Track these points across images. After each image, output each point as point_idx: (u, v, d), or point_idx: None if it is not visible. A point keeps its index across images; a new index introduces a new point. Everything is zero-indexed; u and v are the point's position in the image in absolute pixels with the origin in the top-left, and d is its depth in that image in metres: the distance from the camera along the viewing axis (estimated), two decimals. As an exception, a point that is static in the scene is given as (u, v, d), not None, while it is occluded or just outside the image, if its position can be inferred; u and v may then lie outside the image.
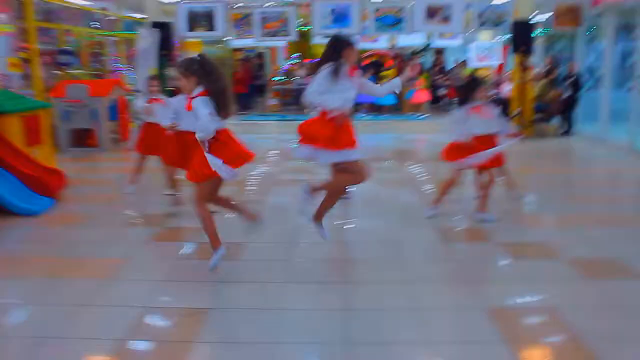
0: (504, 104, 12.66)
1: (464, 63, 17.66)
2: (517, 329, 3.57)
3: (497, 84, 14.28)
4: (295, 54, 18.17)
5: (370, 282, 4.28)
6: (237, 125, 13.43)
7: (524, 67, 12.14)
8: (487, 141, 5.56)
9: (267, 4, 13.03)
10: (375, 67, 16.74)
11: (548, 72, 13.20)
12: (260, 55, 19.08)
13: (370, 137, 12.71)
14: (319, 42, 15.95)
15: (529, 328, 3.65)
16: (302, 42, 19.86)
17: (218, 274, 4.29)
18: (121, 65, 13.67)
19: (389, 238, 5.41)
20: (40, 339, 3.38)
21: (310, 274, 4.47)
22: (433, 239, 5.38)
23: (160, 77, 11.42)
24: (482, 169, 5.70)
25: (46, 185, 6.51)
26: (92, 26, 13.12)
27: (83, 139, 10.25)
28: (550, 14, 12.71)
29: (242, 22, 12.82)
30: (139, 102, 6.68)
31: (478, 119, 5.54)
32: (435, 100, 17.25)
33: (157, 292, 4.12)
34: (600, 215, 6.14)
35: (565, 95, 12.53)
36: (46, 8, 11.17)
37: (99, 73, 12.77)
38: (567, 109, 12.65)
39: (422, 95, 15.74)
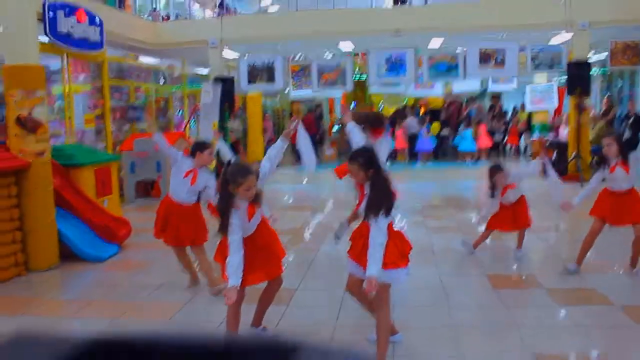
0: (562, 148, 12.53)
1: (522, 107, 17.60)
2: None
3: (556, 128, 14.15)
4: (352, 103, 18.58)
5: (416, 328, 4.36)
6: (294, 176, 14.00)
7: (580, 109, 11.99)
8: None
9: (324, 56, 13.54)
10: (431, 115, 16.94)
11: (605, 113, 12.99)
12: (318, 106, 19.59)
13: (426, 184, 12.83)
14: (376, 90, 16.38)
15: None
16: (359, 90, 20.35)
17: (266, 318, 4.45)
18: (186, 119, 14.38)
19: (438, 284, 5.47)
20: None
21: (357, 316, 4.58)
22: (483, 286, 5.40)
23: (222, 130, 12.02)
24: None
25: (113, 233, 6.96)
26: (160, 82, 13.92)
27: (148, 189, 10.81)
28: (607, 52, 12.55)
29: (300, 73, 13.32)
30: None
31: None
32: (493, 146, 17.20)
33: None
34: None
35: (626, 136, 12.24)
36: (119, 67, 11.99)
37: (165, 127, 13.48)
38: (627, 151, 12.33)
39: (484, 141, 15.75)
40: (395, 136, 15.97)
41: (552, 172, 5.97)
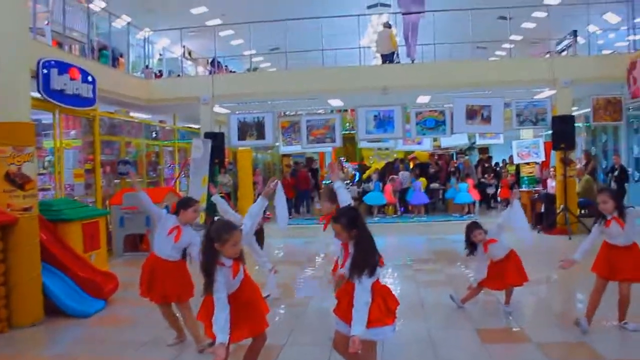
0: (550, 201, 12.65)
1: (510, 160, 17.89)
2: None
3: (544, 181, 14.33)
4: (342, 158, 18.79)
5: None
6: (288, 230, 13.96)
7: (566, 163, 12.18)
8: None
9: (314, 111, 13.80)
10: (420, 169, 17.14)
11: (585, 167, 13.23)
12: (310, 160, 19.76)
13: (417, 238, 12.85)
14: (365, 145, 16.61)
15: None
16: (349, 145, 20.62)
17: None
18: (175, 174, 14.46)
19: (427, 339, 5.42)
20: None
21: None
22: (472, 341, 5.36)
23: (212, 184, 12.08)
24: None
25: (99, 288, 6.88)
26: (150, 137, 14.06)
27: (137, 243, 10.76)
28: (590, 108, 12.86)
29: (290, 129, 13.52)
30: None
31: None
32: (484, 199, 17.36)
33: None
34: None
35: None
36: (110, 122, 12.12)
37: (155, 181, 13.53)
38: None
39: (472, 195, 15.90)
40: (384, 190, 16.09)
41: (517, 207, 6.05)
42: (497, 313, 6.30)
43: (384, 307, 3.63)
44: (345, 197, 4.23)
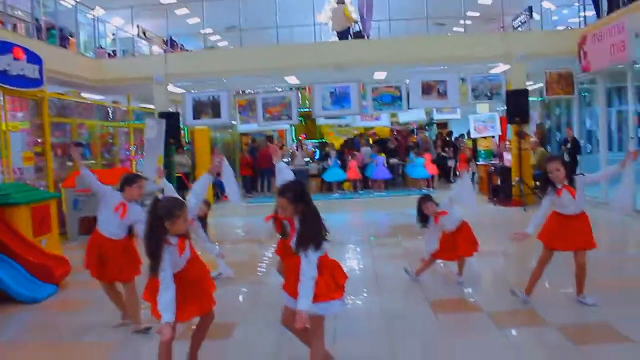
0: (505, 173, 12.87)
1: (468, 134, 18.12)
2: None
3: (500, 154, 14.55)
4: (301, 136, 18.76)
5: (357, 357, 4.33)
6: (246, 208, 13.94)
7: (521, 136, 12.39)
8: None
9: (271, 89, 13.68)
10: (379, 145, 17.23)
11: (542, 141, 13.51)
12: (270, 138, 19.64)
13: (376, 213, 12.95)
14: (323, 122, 16.60)
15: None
16: (310, 123, 20.56)
17: (206, 354, 4.35)
18: (131, 155, 14.19)
19: (380, 312, 5.49)
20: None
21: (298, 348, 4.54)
22: (424, 311, 5.44)
23: (166, 164, 11.90)
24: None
25: (50, 273, 6.73)
26: (104, 118, 13.74)
27: (92, 226, 10.51)
28: (543, 83, 13.08)
29: (246, 108, 13.39)
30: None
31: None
32: (444, 172, 17.57)
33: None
34: (590, 278, 6.15)
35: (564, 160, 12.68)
36: (61, 104, 11.78)
37: (110, 163, 13.26)
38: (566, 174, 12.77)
39: (429, 169, 16.07)
40: (348, 167, 16.15)
41: (466, 180, 6.21)
42: (450, 284, 6.40)
43: (332, 281, 3.62)
44: (288, 176, 4.18)
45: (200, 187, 4.53)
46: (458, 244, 6.17)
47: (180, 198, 3.97)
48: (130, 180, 5.08)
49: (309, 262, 3.50)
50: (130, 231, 5.11)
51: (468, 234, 6.23)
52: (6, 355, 4.78)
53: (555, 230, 5.26)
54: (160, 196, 3.86)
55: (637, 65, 11.11)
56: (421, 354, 4.43)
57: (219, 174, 5.36)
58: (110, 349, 4.80)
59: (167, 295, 3.56)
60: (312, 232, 3.57)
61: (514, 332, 4.77)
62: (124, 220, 5.01)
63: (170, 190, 5.99)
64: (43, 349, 4.91)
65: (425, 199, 6.27)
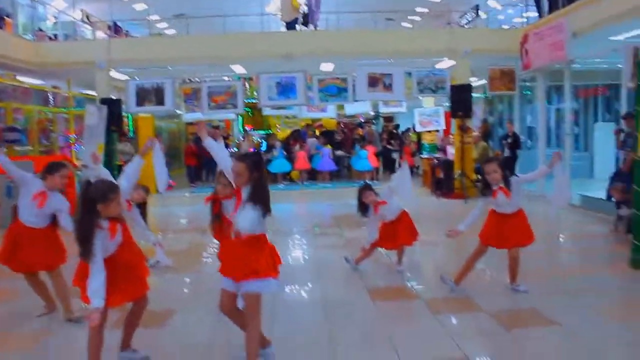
0: (448, 167, 13.12)
1: (413, 128, 18.37)
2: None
3: (444, 148, 14.82)
4: (247, 127, 18.62)
5: (294, 343, 4.34)
6: (189, 198, 13.76)
7: (463, 130, 12.64)
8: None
9: (217, 78, 13.49)
10: (326, 137, 17.28)
11: (484, 136, 13.84)
12: (215, 128, 19.40)
13: (320, 204, 13.01)
14: (269, 113, 16.53)
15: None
16: (257, 113, 20.42)
17: (140, 341, 4.26)
18: (71, 142, 13.77)
19: (320, 300, 5.52)
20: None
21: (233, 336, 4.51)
22: (363, 299, 5.49)
23: (107, 152, 11.61)
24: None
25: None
26: (43, 103, 13.29)
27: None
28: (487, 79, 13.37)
29: (192, 96, 13.17)
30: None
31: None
32: (389, 165, 17.77)
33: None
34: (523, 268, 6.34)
35: (505, 154, 13.03)
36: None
37: (49, 150, 12.83)
38: (506, 168, 13.11)
39: (372, 162, 16.23)
40: (296, 157, 16.15)
41: (405, 170, 6.34)
42: (390, 273, 6.47)
43: (271, 261, 3.67)
44: (221, 153, 4.03)
45: (133, 170, 4.44)
46: (398, 233, 6.24)
47: (114, 181, 3.86)
48: (52, 168, 4.87)
49: (248, 214, 3.51)
50: (54, 220, 4.93)
51: (408, 224, 6.32)
52: None
53: (492, 228, 5.40)
54: (92, 179, 3.73)
55: (575, 65, 11.52)
56: (360, 341, 4.45)
57: None
58: (39, 338, 4.64)
59: (97, 281, 3.47)
60: (264, 198, 3.59)
61: (449, 318, 4.86)
62: (43, 209, 4.82)
63: (107, 177, 5.83)
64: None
65: (365, 188, 6.32)
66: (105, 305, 3.54)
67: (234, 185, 3.69)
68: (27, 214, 4.85)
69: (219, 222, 3.88)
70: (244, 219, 3.51)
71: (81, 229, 3.53)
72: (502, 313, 4.90)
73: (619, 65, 10.28)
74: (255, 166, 3.60)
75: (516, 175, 5.48)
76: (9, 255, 4.93)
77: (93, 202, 3.54)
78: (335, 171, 16.71)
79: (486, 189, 5.36)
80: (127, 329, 4.01)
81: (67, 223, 4.77)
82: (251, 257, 3.59)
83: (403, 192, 6.37)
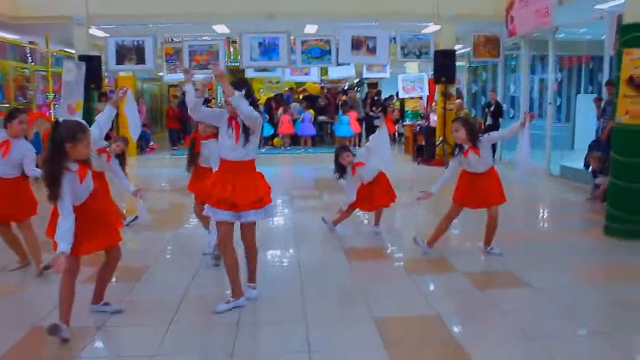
0: (430, 133, 13.12)
1: (397, 95, 18.28)
2: (399, 335, 3.70)
3: (427, 115, 14.80)
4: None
5: (267, 300, 4.36)
6: (171, 160, 13.63)
7: (446, 96, 12.61)
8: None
9: (198, 38, 13.23)
10: (308, 101, 17.15)
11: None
12: (197, 90, 19.10)
13: (302, 168, 12.99)
14: (252, 75, 16.31)
15: (411, 334, 3.79)
16: (240, 76, 20.12)
17: (113, 295, 4.25)
18: (49, 100, 13.52)
19: (295, 262, 5.54)
20: None
21: (206, 290, 4.51)
22: (339, 260, 5.51)
23: (87, 110, 11.40)
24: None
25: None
26: (19, 59, 12.98)
27: None
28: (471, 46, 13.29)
29: (174, 57, 12.95)
30: None
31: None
32: (371, 131, 17.71)
33: (51, 311, 4.07)
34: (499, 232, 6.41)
35: (488, 122, 13.05)
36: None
37: (25, 107, 12.58)
38: (480, 134, 13.15)
39: (353, 127, 16.19)
40: (281, 122, 16.06)
41: (383, 132, 6.31)
42: (367, 235, 6.50)
43: (267, 187, 4.12)
44: (191, 95, 4.02)
45: (104, 119, 4.41)
46: (375, 194, 6.24)
47: (84, 122, 3.79)
48: (10, 115, 4.80)
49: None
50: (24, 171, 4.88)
51: (385, 185, 6.31)
52: None
53: (466, 189, 5.39)
54: (60, 119, 3.66)
55: (559, 35, 11.48)
56: (334, 299, 4.47)
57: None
58: (11, 292, 4.60)
59: (65, 225, 3.42)
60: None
61: (424, 279, 4.90)
62: (8, 159, 4.76)
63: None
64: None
65: (342, 149, 6.29)
66: (77, 253, 3.53)
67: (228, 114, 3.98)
68: None
69: (196, 172, 4.02)
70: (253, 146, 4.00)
71: (49, 170, 3.47)
72: (476, 274, 4.95)
73: (603, 37, 10.27)
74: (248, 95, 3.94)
75: (487, 134, 5.46)
76: None
77: (61, 142, 3.47)
78: (317, 136, 16.66)
79: (456, 149, 5.36)
80: (99, 282, 4.00)
81: (30, 168, 4.76)
82: (255, 185, 3.99)
83: (381, 154, 6.35)
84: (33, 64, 13.63)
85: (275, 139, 16.41)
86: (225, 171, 4.02)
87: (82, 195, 3.62)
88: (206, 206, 4.12)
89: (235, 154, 3.98)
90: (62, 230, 3.41)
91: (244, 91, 3.88)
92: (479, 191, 5.34)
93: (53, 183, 3.44)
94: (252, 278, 4.42)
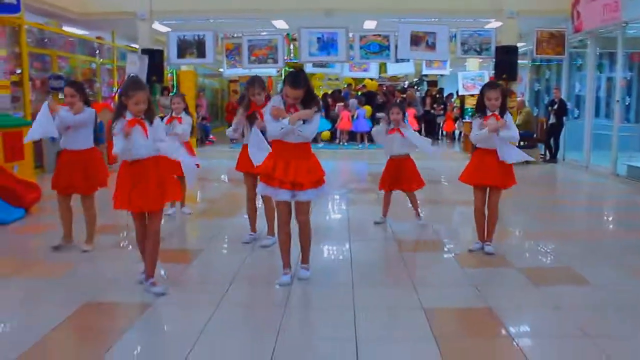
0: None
1: (457, 93, 17.99)
2: (449, 327, 3.61)
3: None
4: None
5: (318, 284, 4.35)
6: (229, 152, 13.84)
7: (506, 94, 12.25)
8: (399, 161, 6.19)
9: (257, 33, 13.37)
10: (367, 98, 17.08)
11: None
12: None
13: (355, 163, 12.95)
14: (310, 70, 16.34)
15: (461, 327, 3.69)
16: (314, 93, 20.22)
17: (162, 278, 4.35)
18: (114, 93, 13.96)
19: (348, 254, 5.50)
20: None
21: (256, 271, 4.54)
22: (391, 250, 5.45)
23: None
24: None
25: (19, 197, 6.65)
26: (87, 54, 13.45)
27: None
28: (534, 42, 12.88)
29: (234, 52, 13.12)
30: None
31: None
32: (430, 129, 17.53)
33: (103, 288, 4.19)
34: (561, 230, 6.20)
35: (551, 121, 12.64)
36: (40, 35, 11.49)
37: (92, 99, 13.04)
38: (551, 135, 12.76)
39: (411, 124, 16.02)
40: (340, 117, 16.12)
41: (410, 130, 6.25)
42: (419, 227, 6.38)
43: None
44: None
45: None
46: (400, 178, 6.19)
47: (143, 82, 4.22)
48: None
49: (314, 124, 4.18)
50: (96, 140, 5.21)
51: (411, 170, 6.23)
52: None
53: (476, 166, 5.15)
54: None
55: (628, 31, 10.99)
56: (382, 284, 4.42)
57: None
58: (65, 270, 4.74)
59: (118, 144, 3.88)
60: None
61: (477, 272, 4.76)
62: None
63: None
64: (9, 264, 4.88)
65: (397, 105, 6.28)
66: (126, 204, 3.99)
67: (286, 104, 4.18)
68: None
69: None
70: (310, 128, 4.14)
71: (114, 114, 4.00)
72: (532, 270, 4.78)
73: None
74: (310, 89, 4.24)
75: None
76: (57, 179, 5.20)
77: (120, 95, 4.05)
78: (368, 132, 16.57)
79: (478, 112, 5.07)
80: (146, 258, 4.15)
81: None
82: (315, 166, 4.23)
83: (421, 143, 6.23)
84: (100, 58, 14.10)
85: (323, 133, 16.41)
86: (284, 153, 4.17)
87: (140, 150, 3.94)
88: (262, 186, 4.27)
89: (295, 137, 4.14)
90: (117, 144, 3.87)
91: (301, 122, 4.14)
92: (489, 169, 5.03)
93: (113, 120, 3.95)
94: (305, 259, 4.50)
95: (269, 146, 4.45)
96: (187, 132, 6.40)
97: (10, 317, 3.69)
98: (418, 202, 6.45)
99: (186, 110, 6.64)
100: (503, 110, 4.97)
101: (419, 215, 6.41)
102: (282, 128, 4.08)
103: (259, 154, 4.55)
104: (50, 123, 4.86)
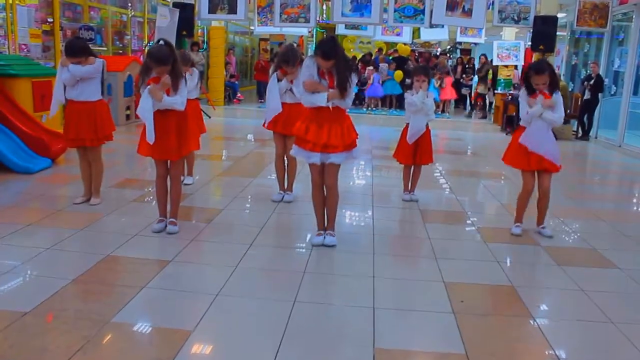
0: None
1: (490, 62, 17.53)
2: (469, 302, 3.55)
3: (520, 85, 14.11)
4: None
5: (343, 251, 4.32)
6: (257, 111, 13.79)
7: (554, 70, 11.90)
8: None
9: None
10: (398, 63, 16.77)
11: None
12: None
13: (380, 129, 12.81)
14: (342, 32, 16.07)
15: (481, 303, 3.63)
16: (330, 34, 19.93)
17: (184, 234, 4.36)
18: (144, 46, 13.90)
19: (370, 217, 5.44)
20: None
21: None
22: (414, 220, 5.38)
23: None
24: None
25: (46, 147, 6.71)
26: (119, 5, 13.36)
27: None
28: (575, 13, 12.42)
29: (266, 9, 12.91)
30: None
31: None
32: (460, 99, 17.20)
33: (124, 243, 4.20)
34: (589, 210, 6.05)
35: (586, 97, 12.28)
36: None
37: (121, 52, 13.01)
38: (585, 112, 12.41)
39: (448, 93, 15.78)
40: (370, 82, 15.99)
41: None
42: (445, 199, 6.30)
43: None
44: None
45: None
46: (418, 152, 5.92)
47: (168, 51, 4.26)
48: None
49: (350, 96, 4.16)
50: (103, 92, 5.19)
51: (428, 144, 5.98)
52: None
53: (520, 148, 4.89)
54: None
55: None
56: (407, 260, 4.37)
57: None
58: (91, 219, 4.79)
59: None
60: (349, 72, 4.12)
61: (501, 248, 4.68)
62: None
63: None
64: (25, 213, 4.93)
65: (423, 69, 5.94)
66: (146, 148, 4.33)
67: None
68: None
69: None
70: (347, 101, 4.15)
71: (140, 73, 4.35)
72: (558, 249, 4.68)
73: None
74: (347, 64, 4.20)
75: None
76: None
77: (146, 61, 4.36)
78: (398, 98, 16.36)
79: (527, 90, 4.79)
80: (172, 203, 4.58)
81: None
82: (349, 130, 4.23)
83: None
84: (132, 10, 14.00)
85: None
86: (318, 117, 4.17)
87: (162, 104, 4.24)
88: (296, 149, 4.31)
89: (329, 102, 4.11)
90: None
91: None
92: (533, 154, 4.83)
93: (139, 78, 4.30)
94: (330, 225, 4.48)
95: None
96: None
97: (31, 267, 3.72)
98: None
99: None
100: (552, 87, 4.70)
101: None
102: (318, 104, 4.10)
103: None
104: (60, 92, 5.04)
